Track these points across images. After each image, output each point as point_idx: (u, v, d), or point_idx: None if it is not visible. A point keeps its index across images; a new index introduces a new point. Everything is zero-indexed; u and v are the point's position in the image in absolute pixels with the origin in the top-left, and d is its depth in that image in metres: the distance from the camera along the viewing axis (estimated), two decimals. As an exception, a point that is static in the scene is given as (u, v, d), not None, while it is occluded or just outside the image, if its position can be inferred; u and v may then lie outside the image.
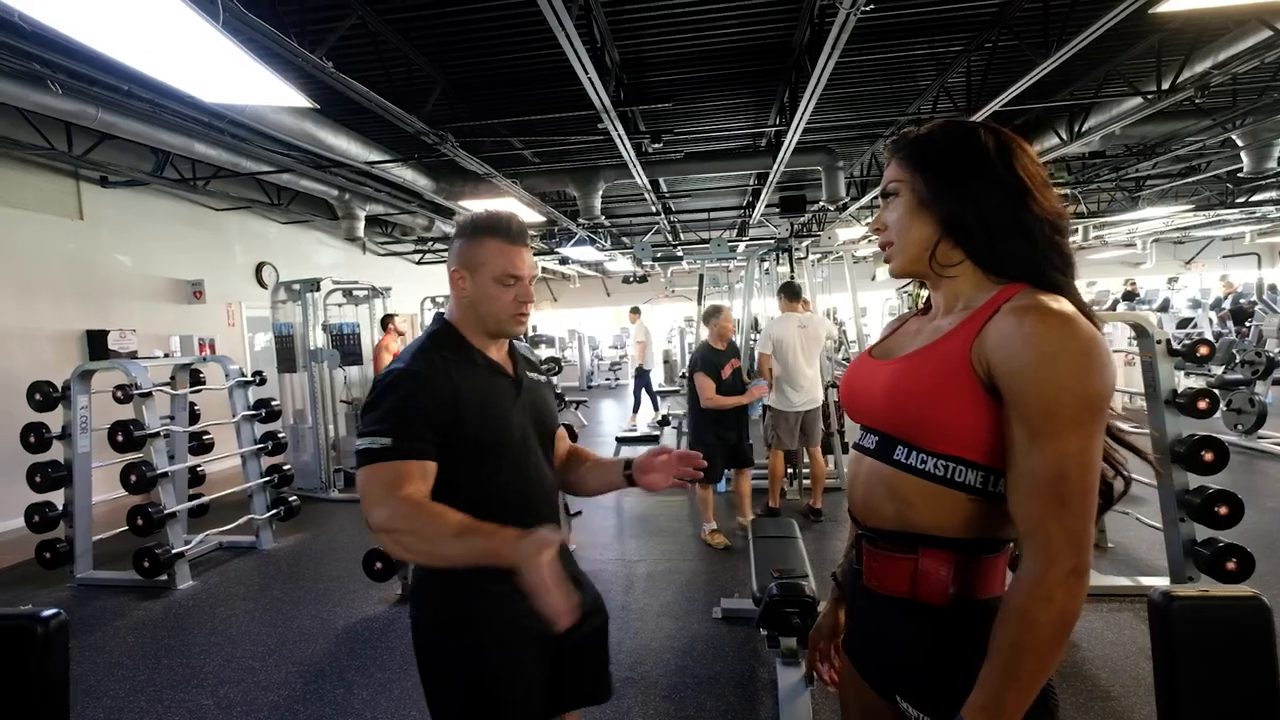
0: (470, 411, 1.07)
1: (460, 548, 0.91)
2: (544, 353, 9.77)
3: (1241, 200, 7.98)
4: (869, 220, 8.54)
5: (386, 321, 5.76)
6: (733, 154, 5.73)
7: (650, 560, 3.47)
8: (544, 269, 12.11)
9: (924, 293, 0.91)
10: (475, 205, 5.87)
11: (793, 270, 4.69)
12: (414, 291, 8.84)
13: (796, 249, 5.02)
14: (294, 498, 4.08)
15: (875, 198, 6.85)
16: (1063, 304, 0.71)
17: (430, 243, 9.31)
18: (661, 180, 6.80)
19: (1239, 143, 5.35)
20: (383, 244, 9.27)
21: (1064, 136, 5.10)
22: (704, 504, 3.71)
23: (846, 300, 8.77)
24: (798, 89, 4.14)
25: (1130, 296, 10.13)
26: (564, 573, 0.86)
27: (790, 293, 4.12)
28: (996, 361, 0.71)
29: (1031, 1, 3.39)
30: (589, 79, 3.28)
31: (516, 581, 0.83)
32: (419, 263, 10.10)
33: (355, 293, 6.21)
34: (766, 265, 5.55)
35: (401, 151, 4.91)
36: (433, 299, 7.81)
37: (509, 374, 1.17)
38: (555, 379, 8.66)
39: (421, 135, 4.06)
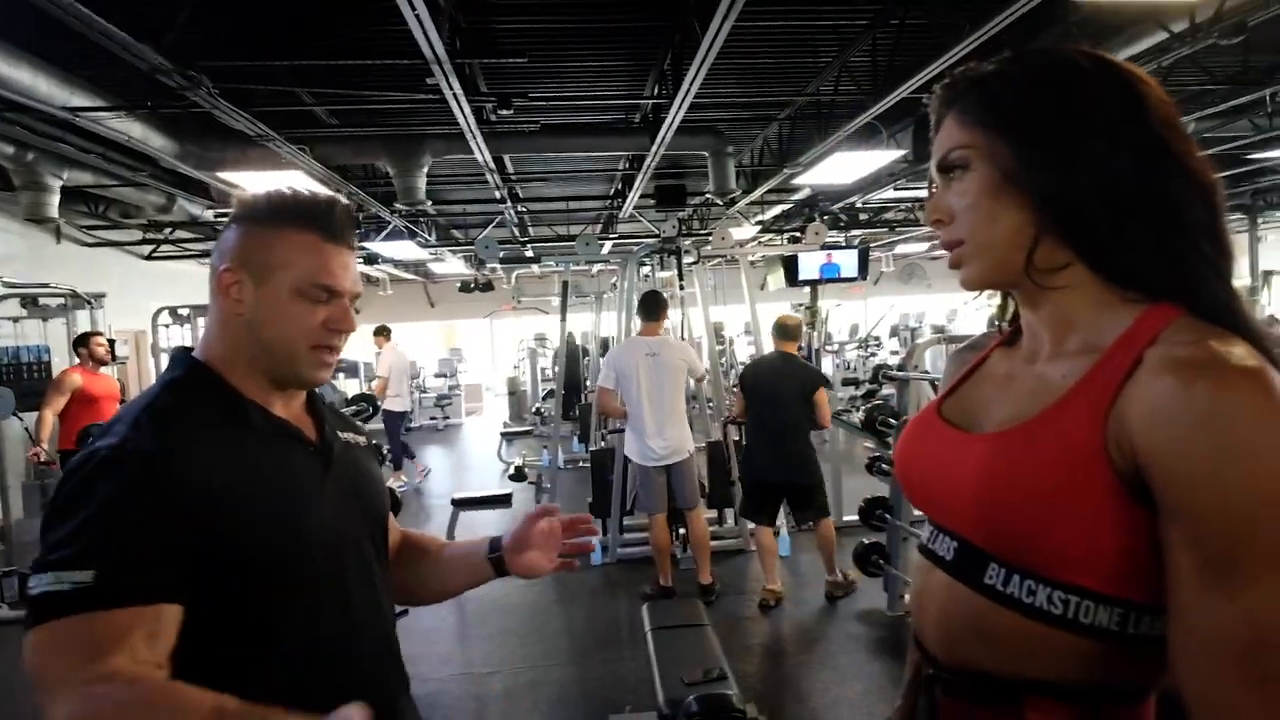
0: (245, 509, 0.83)
1: None
2: (345, 386, 9.08)
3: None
4: (760, 217, 9.06)
5: (82, 342, 4.82)
6: (602, 129, 5.75)
7: (508, 670, 3.26)
8: (341, 269, 11.35)
9: (994, 303, 0.79)
10: (241, 178, 5.32)
11: (681, 276, 4.77)
12: (142, 298, 7.80)
13: (685, 250, 5.13)
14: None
15: (767, 192, 7.25)
16: (1245, 352, 0.56)
17: (168, 229, 8.29)
18: (507, 158, 6.66)
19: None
20: (90, 229, 8.07)
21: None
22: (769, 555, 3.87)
23: (738, 313, 9.18)
24: (683, 54, 4.25)
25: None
26: None
27: (646, 309, 4.12)
28: (1148, 452, 0.57)
29: (942, -23, 3.78)
30: (416, 16, 3.09)
31: None
32: (149, 257, 8.95)
33: (43, 300, 5.31)
34: (647, 270, 5.62)
35: (127, 97, 4.29)
36: (173, 310, 6.93)
37: (309, 439, 0.95)
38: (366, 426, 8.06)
39: (160, 74, 3.57)
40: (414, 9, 3.01)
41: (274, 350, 0.90)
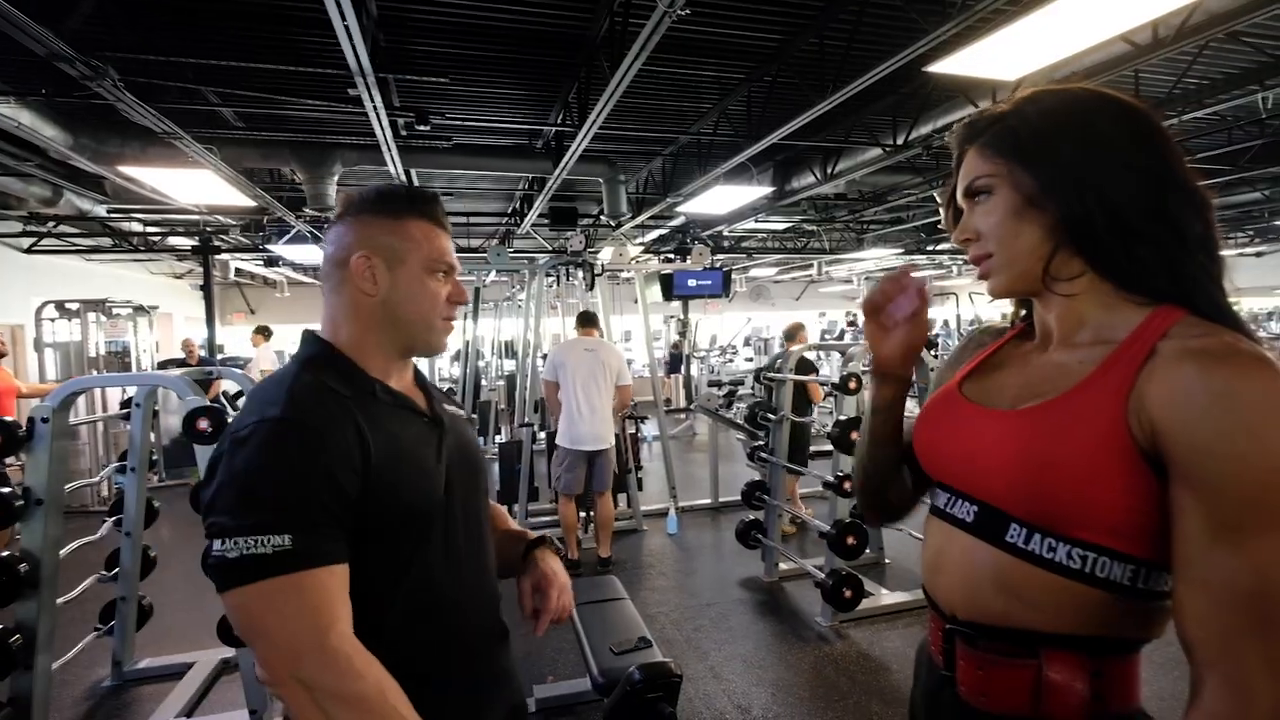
0: (387, 473, 0.82)
1: None
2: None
3: (930, 249, 10.53)
4: (640, 241, 9.12)
5: None
6: (509, 151, 5.55)
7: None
8: (238, 271, 10.29)
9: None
10: (143, 174, 4.67)
11: (592, 286, 4.69)
12: (20, 292, 6.65)
13: (588, 263, 5.04)
14: None
15: (651, 217, 7.30)
16: (1254, 346, 0.59)
17: (52, 222, 7.13)
18: (414, 172, 6.27)
19: (939, 200, 7.00)
20: (-40, 218, 6.82)
21: (818, 175, 6.09)
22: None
23: (617, 322, 9.22)
24: (588, 89, 4.17)
25: (854, 325, 12.59)
26: None
27: (584, 320, 4.17)
28: (1169, 426, 0.59)
29: (808, 44, 3.94)
30: (346, 27, 2.81)
31: None
32: (30, 250, 7.67)
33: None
34: (550, 280, 5.47)
35: (16, 81, 3.64)
36: (60, 304, 5.95)
37: (423, 410, 0.94)
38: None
39: (59, 61, 3.04)
40: (344, 20, 2.75)
41: (412, 324, 0.91)
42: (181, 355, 6.81)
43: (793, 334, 4.80)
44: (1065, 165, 0.67)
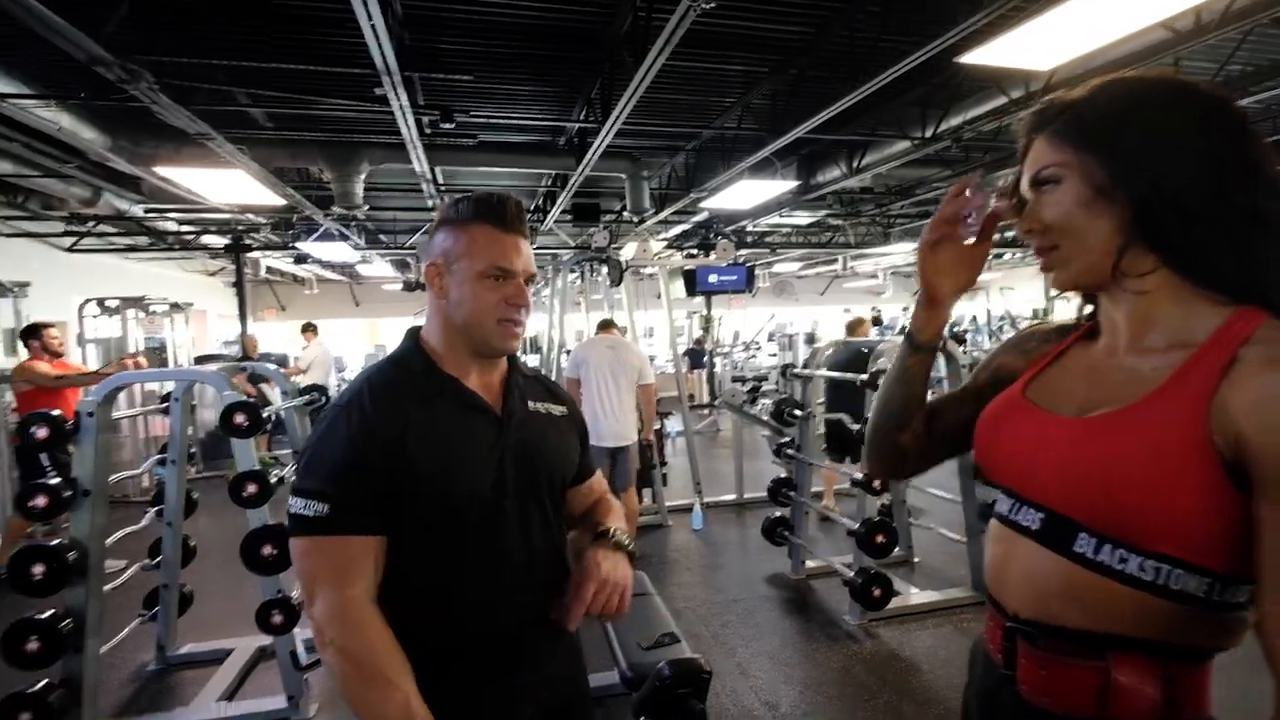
0: (422, 461, 0.91)
1: None
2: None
3: (958, 241, 10.35)
4: (664, 236, 9.09)
5: (32, 334, 4.22)
6: (532, 149, 5.58)
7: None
8: (269, 269, 10.49)
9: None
10: (179, 174, 4.78)
11: (619, 281, 4.72)
12: (63, 290, 6.85)
13: (614, 259, 5.06)
14: None
15: (674, 213, 7.28)
16: None
17: (92, 222, 7.33)
18: (438, 170, 6.34)
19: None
20: (9, 219, 7.04)
21: (844, 169, 6.01)
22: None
23: (639, 317, 9.20)
24: (612, 85, 4.17)
25: (877, 322, 12.43)
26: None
27: (603, 324, 4.25)
28: (1254, 437, 0.56)
29: (838, 35, 3.89)
30: (372, 27, 2.85)
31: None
32: (71, 249, 7.90)
33: (-43, 288, 4.55)
34: (574, 276, 5.50)
35: (56, 85, 3.75)
36: (101, 301, 6.13)
37: (489, 409, 1.00)
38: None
39: (98, 65, 3.13)
40: (370, 19, 2.78)
41: (470, 328, 0.97)
42: (216, 350, 6.95)
43: (853, 328, 5.01)
44: (1128, 152, 0.64)
